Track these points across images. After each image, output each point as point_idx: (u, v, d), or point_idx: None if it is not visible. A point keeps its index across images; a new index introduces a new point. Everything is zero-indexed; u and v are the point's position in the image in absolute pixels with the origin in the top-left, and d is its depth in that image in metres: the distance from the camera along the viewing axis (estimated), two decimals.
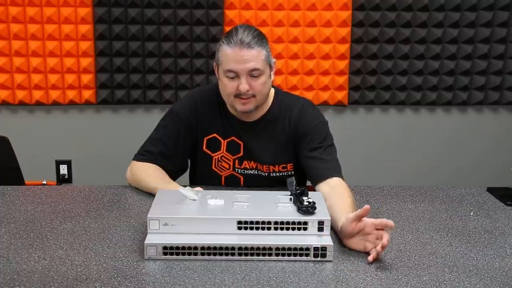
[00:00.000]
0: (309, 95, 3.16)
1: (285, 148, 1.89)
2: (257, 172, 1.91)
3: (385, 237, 1.34)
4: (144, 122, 3.26)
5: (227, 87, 1.77)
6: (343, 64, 3.19)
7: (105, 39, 3.09)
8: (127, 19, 3.07)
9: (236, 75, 1.74)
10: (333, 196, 1.60)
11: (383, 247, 1.34)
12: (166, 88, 3.18)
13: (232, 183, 1.93)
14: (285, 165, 1.91)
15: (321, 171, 1.76)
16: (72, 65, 3.11)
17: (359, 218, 1.38)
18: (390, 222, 1.36)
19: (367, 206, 1.37)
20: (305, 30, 3.13)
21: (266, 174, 1.91)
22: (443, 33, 3.17)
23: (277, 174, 1.91)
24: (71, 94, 3.16)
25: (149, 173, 1.84)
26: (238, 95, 1.77)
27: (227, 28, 2.98)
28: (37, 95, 3.13)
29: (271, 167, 1.90)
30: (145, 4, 3.05)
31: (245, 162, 1.91)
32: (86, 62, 3.11)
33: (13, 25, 3.03)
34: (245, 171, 1.92)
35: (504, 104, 3.33)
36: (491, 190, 1.89)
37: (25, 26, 3.04)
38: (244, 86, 1.73)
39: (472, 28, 3.17)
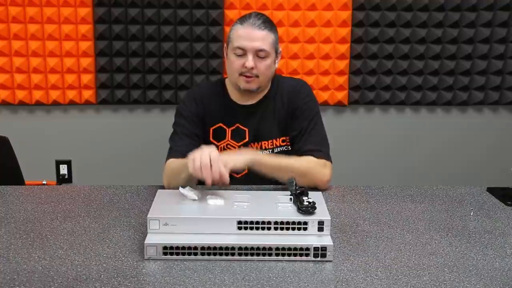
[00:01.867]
0: None
1: (284, 121, 1.98)
2: (261, 152, 1.97)
3: None
4: (144, 122, 3.29)
5: (233, 63, 1.88)
6: (343, 64, 3.19)
7: (105, 39, 3.09)
8: (127, 19, 3.07)
9: (243, 53, 1.86)
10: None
11: None
12: (166, 88, 3.18)
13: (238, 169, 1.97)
14: (285, 138, 1.99)
15: (304, 149, 1.91)
16: (72, 65, 3.11)
17: None
18: None
19: None
20: (305, 30, 3.13)
21: (270, 151, 1.98)
22: (443, 33, 3.17)
23: (279, 149, 1.99)
24: (71, 94, 3.16)
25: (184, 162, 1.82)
26: (243, 73, 1.87)
27: (227, 28, 2.99)
28: (37, 95, 3.13)
29: (275, 141, 1.98)
30: (145, 4, 3.05)
31: (249, 146, 1.98)
32: (86, 62, 3.11)
33: (13, 25, 3.03)
34: None
35: (504, 104, 3.33)
36: (491, 190, 1.89)
37: (25, 26, 3.04)
38: (250, 63, 1.85)
39: (472, 28, 3.17)
